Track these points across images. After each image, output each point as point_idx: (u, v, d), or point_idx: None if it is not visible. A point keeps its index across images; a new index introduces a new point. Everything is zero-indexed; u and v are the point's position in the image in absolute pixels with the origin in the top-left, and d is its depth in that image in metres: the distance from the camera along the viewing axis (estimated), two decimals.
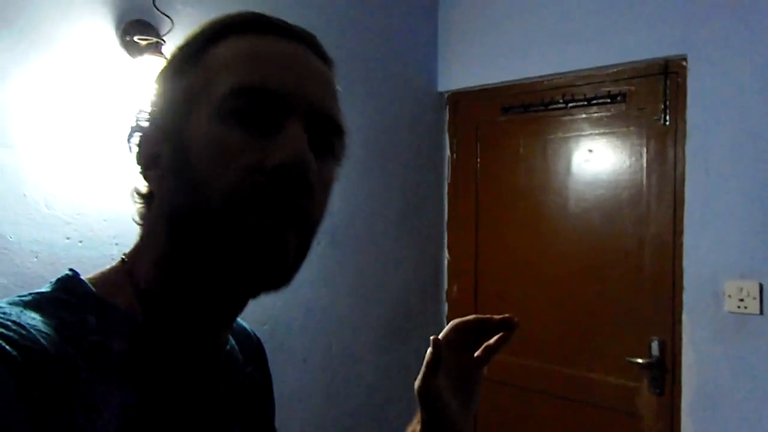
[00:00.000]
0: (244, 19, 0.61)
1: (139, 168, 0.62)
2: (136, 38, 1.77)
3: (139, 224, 0.64)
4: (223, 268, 0.56)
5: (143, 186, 0.63)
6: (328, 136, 0.60)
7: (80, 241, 1.72)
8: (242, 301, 0.64)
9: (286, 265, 0.57)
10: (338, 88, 0.64)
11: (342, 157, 0.64)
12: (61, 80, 1.68)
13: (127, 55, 1.78)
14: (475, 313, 2.76)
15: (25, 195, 1.63)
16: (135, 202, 0.64)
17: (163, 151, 0.59)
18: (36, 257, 1.64)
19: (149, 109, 0.62)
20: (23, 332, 0.49)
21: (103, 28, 1.76)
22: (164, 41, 1.81)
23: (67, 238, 1.70)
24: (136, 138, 0.62)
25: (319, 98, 0.59)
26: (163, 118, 0.60)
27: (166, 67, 0.62)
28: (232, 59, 0.58)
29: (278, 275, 0.57)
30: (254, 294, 0.60)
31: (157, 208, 0.61)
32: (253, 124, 0.55)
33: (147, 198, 0.63)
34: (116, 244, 1.72)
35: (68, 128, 1.69)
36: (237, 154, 0.54)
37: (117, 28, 1.78)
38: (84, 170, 1.71)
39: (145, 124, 0.61)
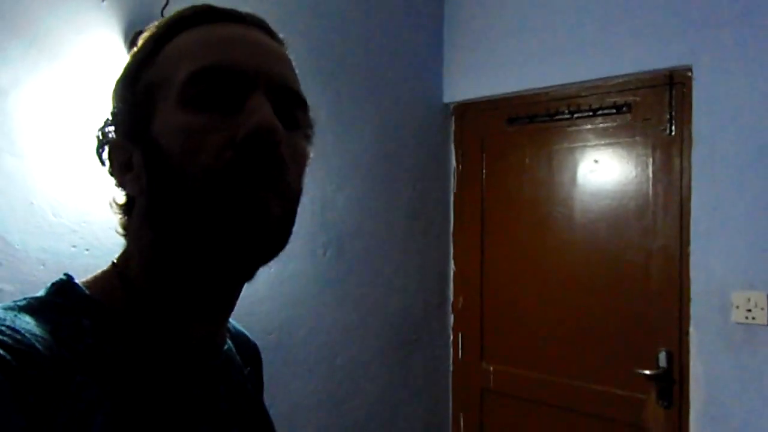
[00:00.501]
0: (194, 12, 0.62)
1: (113, 178, 0.63)
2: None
3: (122, 235, 0.64)
4: (210, 246, 0.56)
5: (121, 196, 0.64)
6: (291, 109, 0.61)
7: (87, 250, 1.72)
8: (234, 285, 0.64)
9: (270, 231, 0.57)
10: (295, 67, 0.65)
11: (310, 132, 0.65)
12: (70, 89, 1.69)
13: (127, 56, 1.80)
14: (481, 323, 2.76)
15: (32, 203, 1.64)
16: (115, 213, 0.65)
17: (134, 154, 0.60)
18: (43, 265, 1.65)
19: (112, 120, 0.62)
20: (18, 337, 0.49)
21: (112, 39, 1.78)
22: None
23: (74, 246, 1.71)
24: (105, 151, 0.63)
25: (277, 72, 0.60)
26: (127, 123, 0.61)
27: (122, 77, 0.63)
28: (187, 48, 0.59)
29: (263, 241, 0.57)
30: (245, 268, 0.60)
31: (138, 209, 0.61)
32: (217, 104, 0.56)
33: (127, 206, 0.64)
34: None
35: (76, 137, 1.70)
36: (205, 136, 0.55)
37: (125, 38, 1.80)
38: (91, 179, 1.72)
39: (111, 135, 0.62)
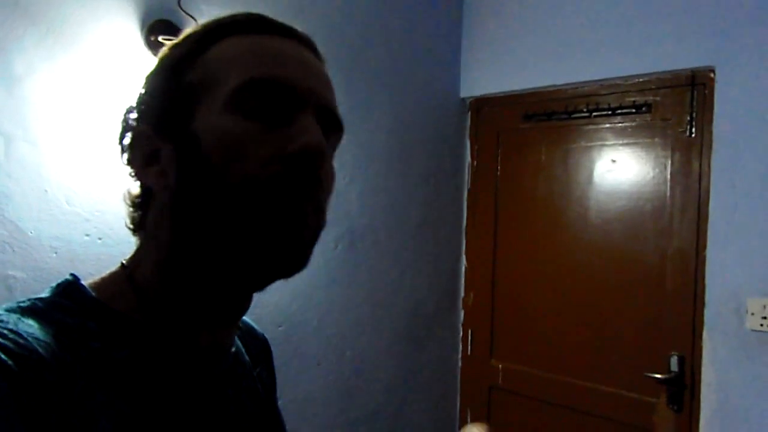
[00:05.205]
0: (245, 19, 0.62)
1: (134, 167, 0.61)
2: (160, 38, 1.78)
3: (131, 229, 0.63)
4: (238, 253, 0.56)
5: (137, 187, 0.63)
6: (330, 131, 0.62)
7: (99, 239, 1.73)
8: (249, 295, 0.64)
9: (303, 249, 0.58)
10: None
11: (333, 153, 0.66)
12: (86, 78, 1.69)
13: (152, 55, 1.79)
14: (491, 320, 2.75)
15: (46, 191, 1.64)
16: (127, 205, 0.64)
17: (164, 148, 0.59)
18: (55, 253, 1.65)
19: (140, 108, 0.61)
20: (20, 341, 0.48)
21: (128, 28, 1.77)
22: None
23: (87, 235, 1.71)
24: (128, 138, 0.61)
25: (324, 94, 0.61)
26: (161, 116, 0.59)
27: (159, 67, 0.62)
28: (240, 55, 0.58)
29: (294, 257, 0.58)
30: (269, 279, 0.59)
31: (158, 206, 0.61)
32: (265, 115, 0.56)
33: (142, 201, 0.63)
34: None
35: (91, 126, 1.70)
36: (253, 144, 0.55)
37: (141, 27, 1.79)
38: (105, 168, 1.72)
39: (137, 122, 0.61)
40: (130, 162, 0.61)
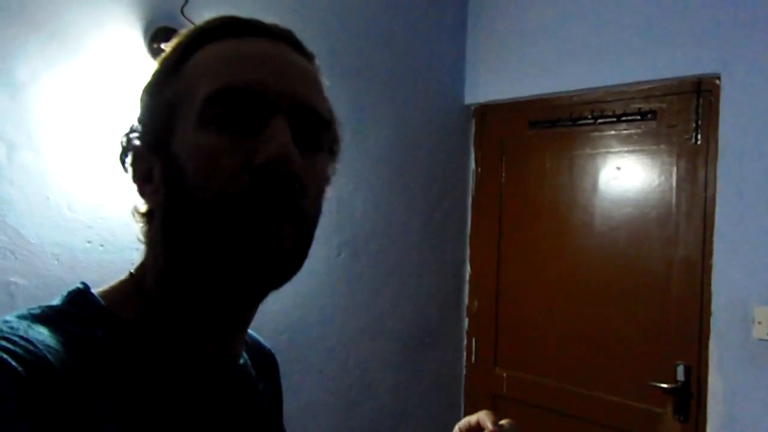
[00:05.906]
0: (220, 24, 0.61)
1: (135, 186, 0.62)
2: (163, 45, 1.77)
3: (142, 242, 0.64)
4: (220, 269, 0.55)
5: (142, 204, 0.63)
6: (314, 130, 0.59)
7: (101, 245, 1.72)
8: (248, 306, 0.64)
9: (282, 259, 0.56)
10: (323, 80, 0.63)
11: (335, 150, 0.64)
12: (88, 85, 1.69)
13: (154, 62, 1.79)
14: (495, 328, 2.73)
15: (48, 198, 1.64)
16: (137, 221, 0.64)
17: (155, 166, 0.59)
18: (57, 260, 1.65)
19: (137, 127, 0.61)
20: (30, 347, 0.49)
21: (131, 35, 1.77)
22: None
23: (89, 242, 1.70)
24: (130, 157, 0.62)
25: (300, 93, 0.58)
26: (150, 134, 0.60)
27: (148, 84, 0.62)
28: (208, 65, 0.57)
29: (276, 269, 0.57)
30: (257, 293, 0.59)
31: (155, 223, 0.61)
32: (236, 125, 0.55)
33: (147, 215, 0.63)
34: (137, 249, 1.71)
35: (93, 133, 1.70)
36: (222, 157, 0.54)
37: (144, 34, 1.79)
38: (107, 175, 1.72)
39: (136, 141, 0.61)
40: (133, 180, 0.62)
